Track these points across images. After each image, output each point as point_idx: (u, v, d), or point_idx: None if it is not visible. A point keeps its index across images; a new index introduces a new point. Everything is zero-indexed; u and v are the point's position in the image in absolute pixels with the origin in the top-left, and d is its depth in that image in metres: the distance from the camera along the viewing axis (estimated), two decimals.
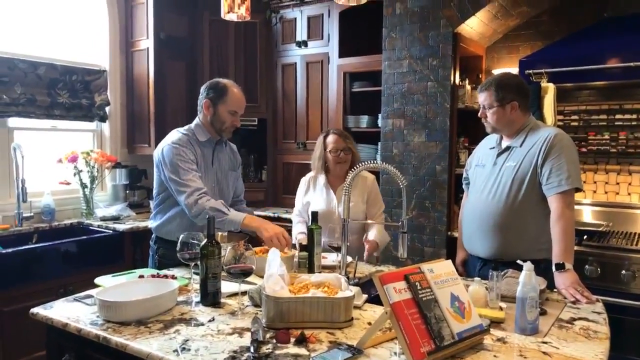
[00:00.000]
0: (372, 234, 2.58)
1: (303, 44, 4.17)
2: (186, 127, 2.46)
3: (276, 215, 4.06)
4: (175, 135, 2.40)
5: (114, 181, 4.11)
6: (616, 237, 3.07)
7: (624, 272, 2.71)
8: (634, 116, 3.29)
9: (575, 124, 3.48)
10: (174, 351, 1.42)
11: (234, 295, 1.87)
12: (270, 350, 1.42)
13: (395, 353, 1.42)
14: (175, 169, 2.28)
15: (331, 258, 2.40)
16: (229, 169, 2.58)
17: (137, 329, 1.57)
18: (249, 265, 1.73)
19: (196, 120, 2.47)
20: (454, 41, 3.32)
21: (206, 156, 2.45)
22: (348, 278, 1.97)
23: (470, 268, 2.48)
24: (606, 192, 3.45)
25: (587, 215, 3.45)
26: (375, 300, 1.85)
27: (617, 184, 3.42)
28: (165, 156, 2.32)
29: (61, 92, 3.72)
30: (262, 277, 1.83)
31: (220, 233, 2.14)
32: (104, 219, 3.74)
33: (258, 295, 1.77)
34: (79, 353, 1.65)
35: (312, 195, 2.78)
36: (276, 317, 1.58)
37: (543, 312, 1.75)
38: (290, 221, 2.96)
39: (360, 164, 2.12)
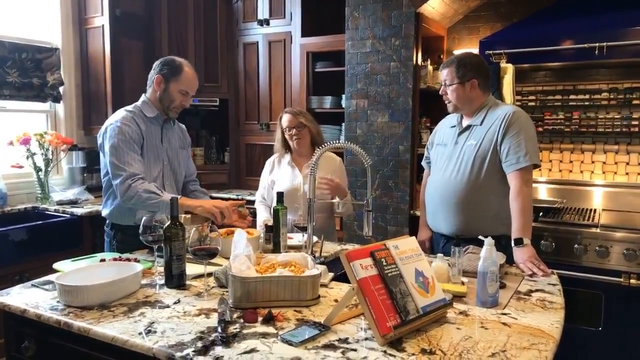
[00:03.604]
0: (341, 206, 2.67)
1: (265, 22, 4.11)
2: (132, 105, 2.38)
3: (240, 197, 4.02)
4: (119, 114, 2.32)
5: (71, 164, 3.97)
6: (569, 213, 3.19)
7: (576, 246, 2.83)
8: (587, 96, 3.40)
9: (533, 104, 3.58)
10: (139, 334, 1.40)
11: (199, 277, 1.85)
12: (238, 330, 1.42)
13: (362, 328, 1.44)
14: (115, 150, 2.20)
15: (297, 238, 2.41)
16: (180, 147, 2.52)
17: (100, 313, 1.53)
18: (214, 247, 1.72)
19: (143, 97, 2.39)
20: (416, 21, 3.33)
21: (154, 133, 2.37)
22: (314, 257, 1.99)
23: (434, 245, 2.54)
24: (560, 170, 3.58)
25: (543, 192, 3.58)
26: (341, 278, 1.88)
27: (571, 162, 3.55)
28: (107, 137, 2.25)
29: (10, 70, 3.55)
30: (227, 258, 1.82)
31: (184, 215, 2.10)
32: (60, 203, 3.62)
33: (224, 276, 1.76)
34: (39, 339, 1.61)
35: (278, 173, 2.80)
36: (243, 297, 1.57)
37: (502, 286, 1.81)
38: (253, 203, 2.93)
39: (324, 144, 2.12)
